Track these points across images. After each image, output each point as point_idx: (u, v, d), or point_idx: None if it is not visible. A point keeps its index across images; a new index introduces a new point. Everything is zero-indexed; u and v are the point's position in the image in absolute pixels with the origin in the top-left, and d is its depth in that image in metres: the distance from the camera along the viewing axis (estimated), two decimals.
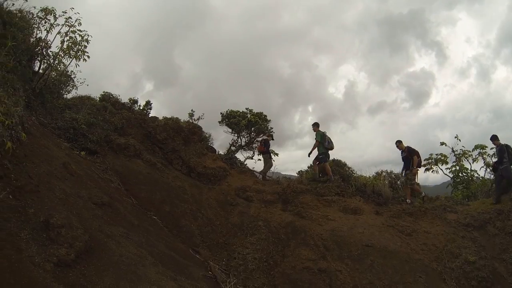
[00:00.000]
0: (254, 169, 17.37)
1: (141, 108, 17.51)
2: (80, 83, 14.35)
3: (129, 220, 8.13)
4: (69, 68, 12.74)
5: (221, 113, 19.30)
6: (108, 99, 16.16)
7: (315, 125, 14.76)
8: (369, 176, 14.92)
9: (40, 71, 11.51)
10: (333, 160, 16.37)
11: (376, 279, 9.12)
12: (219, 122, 19.24)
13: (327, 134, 14.62)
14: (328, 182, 14.00)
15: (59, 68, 12.02)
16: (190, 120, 17.29)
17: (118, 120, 13.74)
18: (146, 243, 7.35)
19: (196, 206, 11.64)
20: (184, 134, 15.03)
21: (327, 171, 14.40)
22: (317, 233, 10.90)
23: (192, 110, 17.82)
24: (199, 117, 17.62)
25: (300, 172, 17.28)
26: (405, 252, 9.98)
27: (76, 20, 10.99)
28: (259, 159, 18.29)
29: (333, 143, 14.55)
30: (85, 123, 11.44)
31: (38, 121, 9.92)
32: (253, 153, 19.22)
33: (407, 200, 13.16)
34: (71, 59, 11.25)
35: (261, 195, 13.33)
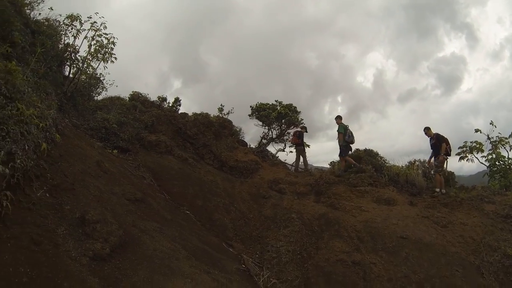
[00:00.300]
0: (286, 161, 17.26)
1: (170, 105, 17.74)
2: (110, 84, 15.20)
3: (162, 215, 8.23)
4: (98, 71, 13.34)
5: (250, 106, 19.32)
6: (137, 98, 16.45)
7: (338, 118, 14.62)
8: (402, 166, 14.53)
9: (70, 75, 12.01)
10: (365, 150, 16.21)
11: (411, 272, 8.82)
12: (249, 115, 19.27)
13: (349, 127, 14.37)
14: (359, 172, 13.78)
15: (88, 72, 12.54)
16: (220, 114, 17.46)
17: (148, 118, 13.97)
18: (179, 237, 7.41)
19: (229, 200, 11.66)
20: (215, 129, 15.12)
21: (350, 162, 14.32)
22: (351, 225, 10.66)
23: (221, 105, 17.97)
24: (229, 111, 17.84)
25: (332, 163, 17.05)
26: (441, 245, 9.58)
27: (101, 24, 11.36)
28: (291, 151, 18.26)
29: (354, 138, 14.33)
30: (116, 122, 11.76)
31: (71, 123, 10.28)
32: (285, 145, 19.19)
33: (436, 190, 12.67)
34: (99, 62, 11.81)
35: (294, 187, 13.23)
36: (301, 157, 16.27)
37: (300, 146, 16.30)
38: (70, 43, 11.47)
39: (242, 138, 17.47)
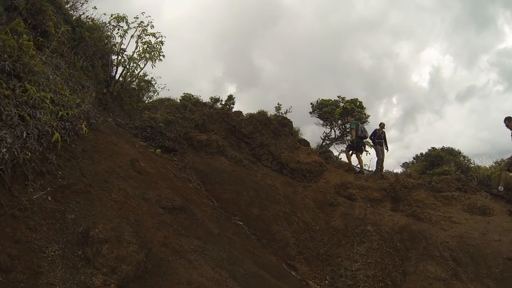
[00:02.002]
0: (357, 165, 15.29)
1: (223, 103, 16.79)
2: (161, 88, 15.34)
3: (207, 228, 6.51)
4: (148, 73, 13.95)
5: (311, 104, 17.71)
6: (188, 100, 15.86)
7: (349, 116, 14.63)
8: (491, 166, 12.47)
9: (117, 76, 11.69)
10: (443, 148, 14.27)
11: None
12: (310, 112, 17.65)
13: (360, 124, 14.30)
14: (360, 172, 13.25)
15: (135, 71, 11.85)
16: (278, 114, 15.92)
17: (199, 116, 12.74)
18: (227, 259, 5.68)
19: (290, 208, 9.87)
20: (273, 127, 13.44)
21: (359, 162, 14.00)
22: (442, 241, 8.65)
23: (278, 104, 16.50)
24: (287, 110, 16.28)
25: (405, 164, 14.86)
26: None
27: (148, 24, 11.02)
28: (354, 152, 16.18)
29: (367, 132, 14.15)
30: (163, 121, 11.00)
31: (115, 122, 9.74)
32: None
33: (499, 188, 10.48)
34: (145, 61, 11.31)
35: (366, 192, 11.28)
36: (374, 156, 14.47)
37: (376, 146, 14.29)
38: (117, 42, 11.37)
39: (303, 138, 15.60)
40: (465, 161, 13.25)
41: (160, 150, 9.68)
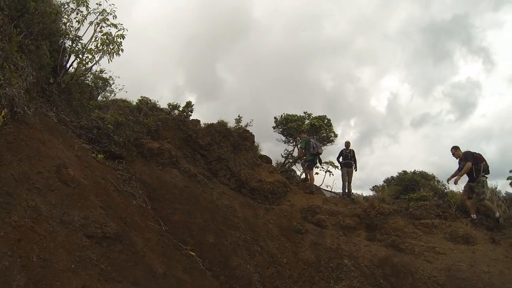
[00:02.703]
0: (321, 186, 14.16)
1: (180, 109, 15.73)
2: (119, 89, 14.47)
3: (149, 265, 4.92)
4: (104, 67, 13.33)
5: (275, 118, 16.46)
6: (145, 104, 15.25)
7: (301, 132, 13.98)
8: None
9: (68, 66, 10.35)
10: (415, 172, 13.62)
11: None
12: (273, 127, 16.37)
13: (312, 139, 13.22)
14: (309, 191, 12.17)
15: (89, 64, 10.35)
16: (238, 126, 14.77)
17: (153, 121, 11.25)
18: None
19: (252, 235, 8.42)
20: (233, 139, 12.03)
21: (310, 179, 12.89)
22: (429, 275, 7.74)
23: (239, 116, 15.40)
24: (248, 123, 15.08)
25: (375, 188, 13.81)
26: None
27: (110, 13, 9.80)
28: (317, 173, 15.13)
29: (321, 147, 13.30)
30: (112, 122, 9.65)
31: (57, 118, 8.45)
32: None
33: (496, 215, 9.92)
34: (102, 54, 9.96)
35: (336, 218, 10.07)
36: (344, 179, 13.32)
37: (345, 167, 13.23)
38: (70, 26, 9.93)
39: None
40: (440, 185, 12.34)
41: (102, 156, 8.10)
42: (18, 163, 4.65)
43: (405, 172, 13.31)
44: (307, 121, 15.80)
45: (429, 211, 10.16)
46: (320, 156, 13.30)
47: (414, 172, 13.07)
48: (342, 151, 13.38)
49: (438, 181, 12.84)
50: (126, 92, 15.35)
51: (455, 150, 10.69)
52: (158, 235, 6.45)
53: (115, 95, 14.76)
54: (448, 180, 10.72)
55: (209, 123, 12.85)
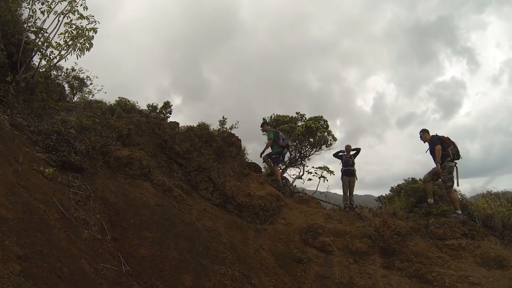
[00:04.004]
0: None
1: (158, 111, 14.47)
2: (97, 90, 13.77)
3: None
4: (81, 66, 12.82)
5: (264, 119, 14.66)
6: (123, 105, 14.09)
7: (264, 124, 13.01)
8: (486, 201, 9.80)
9: (33, 63, 9.28)
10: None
11: None
12: (262, 129, 14.37)
13: (280, 131, 12.31)
14: (277, 185, 11.18)
15: (55, 60, 9.14)
16: (222, 129, 13.21)
17: (125, 125, 9.67)
18: None
19: (241, 269, 6.59)
20: (217, 145, 10.26)
21: (276, 174, 11.92)
22: None
23: (223, 117, 13.91)
24: (233, 125, 13.63)
25: (381, 198, 12.20)
26: None
27: (80, 3, 8.62)
28: (309, 179, 13.93)
29: (289, 140, 12.54)
30: (76, 126, 8.16)
31: (11, 121, 7.37)
32: (302, 170, 14.34)
33: (457, 212, 9.16)
34: (71, 49, 8.79)
35: (344, 240, 8.39)
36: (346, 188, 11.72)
37: (345, 176, 11.65)
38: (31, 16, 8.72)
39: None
40: (459, 196, 10.74)
41: (52, 170, 6.30)
42: None
43: (414, 180, 11.71)
44: (300, 123, 14.16)
45: (454, 230, 8.51)
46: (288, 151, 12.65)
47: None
48: (342, 156, 11.77)
49: (455, 191, 11.27)
50: (106, 93, 14.69)
51: (423, 133, 10.22)
52: (114, 284, 4.71)
53: (93, 96, 13.84)
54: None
55: (189, 125, 11.33)
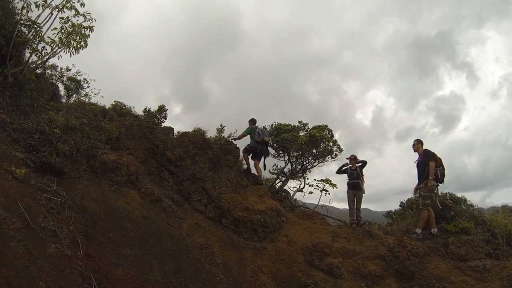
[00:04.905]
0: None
1: (152, 115, 13.56)
2: (95, 93, 13.33)
3: None
4: (79, 68, 12.59)
5: (264, 128, 13.55)
6: (119, 111, 13.51)
7: (250, 121, 12.25)
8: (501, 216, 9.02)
9: (25, 59, 8.91)
10: (446, 193, 10.90)
11: None
12: None
13: (259, 127, 11.88)
14: (257, 183, 10.85)
15: (44, 52, 8.68)
16: (219, 137, 12.83)
17: (116, 127, 8.94)
18: None
19: None
20: (213, 153, 9.37)
21: (257, 171, 11.43)
22: None
23: (221, 125, 13.51)
24: (231, 134, 13.05)
25: (391, 214, 11.34)
26: None
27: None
28: (311, 192, 13.03)
29: (268, 137, 11.89)
30: (62, 126, 7.50)
31: None
32: (303, 183, 13.40)
33: (417, 230, 8.82)
34: (62, 45, 8.37)
35: (354, 262, 7.47)
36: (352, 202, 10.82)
37: (351, 190, 10.73)
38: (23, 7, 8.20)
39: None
40: (476, 211, 9.88)
41: (25, 171, 5.58)
42: None
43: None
44: (302, 133, 13.24)
45: (477, 249, 7.67)
46: (268, 147, 12.05)
47: (445, 193, 10.57)
48: (347, 169, 10.87)
49: (471, 205, 10.36)
50: (102, 97, 13.75)
51: (417, 142, 9.88)
52: None
53: (89, 99, 13.36)
54: (416, 190, 9.58)
55: (184, 131, 10.52)
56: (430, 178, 8.87)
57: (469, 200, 10.55)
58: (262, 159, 11.67)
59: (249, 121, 12.16)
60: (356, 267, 7.28)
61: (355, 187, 10.44)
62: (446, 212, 9.39)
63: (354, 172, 10.55)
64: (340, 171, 11.16)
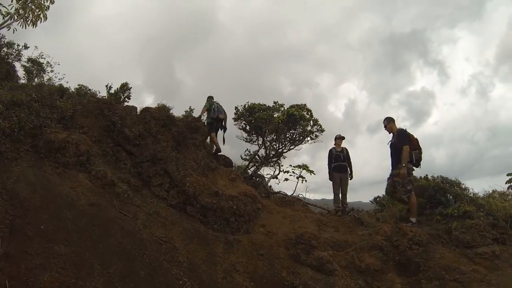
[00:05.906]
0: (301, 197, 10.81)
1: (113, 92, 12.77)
2: (59, 79, 12.88)
3: None
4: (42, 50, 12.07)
5: (235, 108, 12.73)
6: (83, 94, 12.42)
7: (209, 97, 11.70)
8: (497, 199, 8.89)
9: None
10: (433, 177, 10.26)
11: None
12: (235, 119, 12.66)
13: (216, 103, 11.26)
14: (214, 153, 10.46)
15: None
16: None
17: (70, 105, 8.02)
18: None
19: None
20: (177, 130, 8.15)
21: (213, 142, 10.83)
22: None
23: (190, 107, 13.20)
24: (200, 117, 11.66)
25: (378, 200, 10.48)
26: None
27: None
28: (286, 179, 11.89)
29: (225, 114, 11.30)
30: (6, 102, 6.87)
31: None
32: (278, 169, 12.28)
33: (412, 219, 7.62)
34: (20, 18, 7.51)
35: (347, 255, 6.39)
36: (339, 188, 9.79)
37: (336, 173, 9.68)
38: None
39: None
40: (472, 193, 9.30)
41: None
42: None
43: (420, 177, 9.93)
44: (276, 114, 12.06)
45: (484, 234, 6.80)
46: (224, 123, 11.30)
47: (434, 178, 9.73)
48: (331, 150, 9.73)
49: (465, 188, 9.57)
50: (68, 82, 12.83)
51: (387, 122, 8.63)
52: None
53: (53, 84, 12.41)
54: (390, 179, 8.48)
55: (147, 106, 9.16)
56: (404, 165, 7.91)
57: (463, 184, 9.82)
58: (221, 132, 11.21)
59: (207, 98, 11.67)
60: (351, 260, 6.17)
61: (341, 170, 9.36)
62: (441, 196, 8.48)
63: (341, 154, 9.48)
64: (330, 161, 9.89)
